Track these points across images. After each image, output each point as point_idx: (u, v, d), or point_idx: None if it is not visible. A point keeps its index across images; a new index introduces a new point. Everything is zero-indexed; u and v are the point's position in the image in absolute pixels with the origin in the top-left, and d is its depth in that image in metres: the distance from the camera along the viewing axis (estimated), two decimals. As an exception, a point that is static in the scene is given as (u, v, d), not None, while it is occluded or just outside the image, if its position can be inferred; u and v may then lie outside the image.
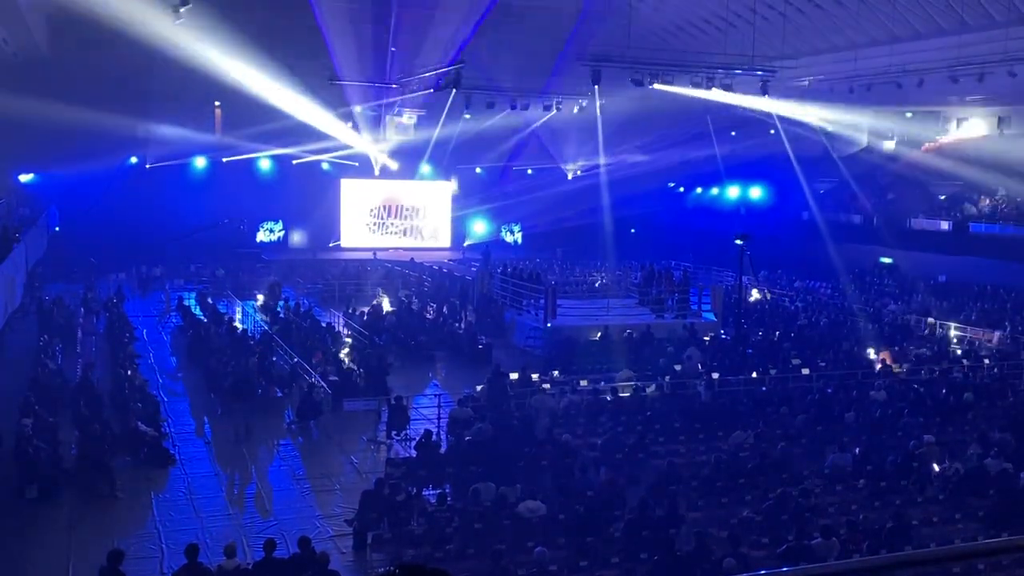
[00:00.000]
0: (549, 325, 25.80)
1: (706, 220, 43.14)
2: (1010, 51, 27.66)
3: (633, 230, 43.86)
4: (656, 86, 31.75)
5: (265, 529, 13.76)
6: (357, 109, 43.25)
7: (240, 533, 13.60)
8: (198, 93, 35.96)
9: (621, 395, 19.24)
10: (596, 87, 32.14)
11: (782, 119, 39.20)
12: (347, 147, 42.45)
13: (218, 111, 40.60)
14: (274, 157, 41.94)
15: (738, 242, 24.27)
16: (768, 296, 34.78)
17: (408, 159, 44.43)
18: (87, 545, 12.95)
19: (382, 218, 45.18)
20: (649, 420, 18.00)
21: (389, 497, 13.52)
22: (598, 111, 36.68)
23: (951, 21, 31.21)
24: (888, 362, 23.33)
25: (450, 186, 46.06)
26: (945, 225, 38.11)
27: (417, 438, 16.83)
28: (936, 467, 15.62)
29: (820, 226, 40.15)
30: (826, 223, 40.44)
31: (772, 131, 40.68)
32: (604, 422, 17.85)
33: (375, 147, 43.33)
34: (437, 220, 45.96)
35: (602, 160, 42.33)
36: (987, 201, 38.39)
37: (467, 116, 39.74)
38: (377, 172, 44.63)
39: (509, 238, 46.76)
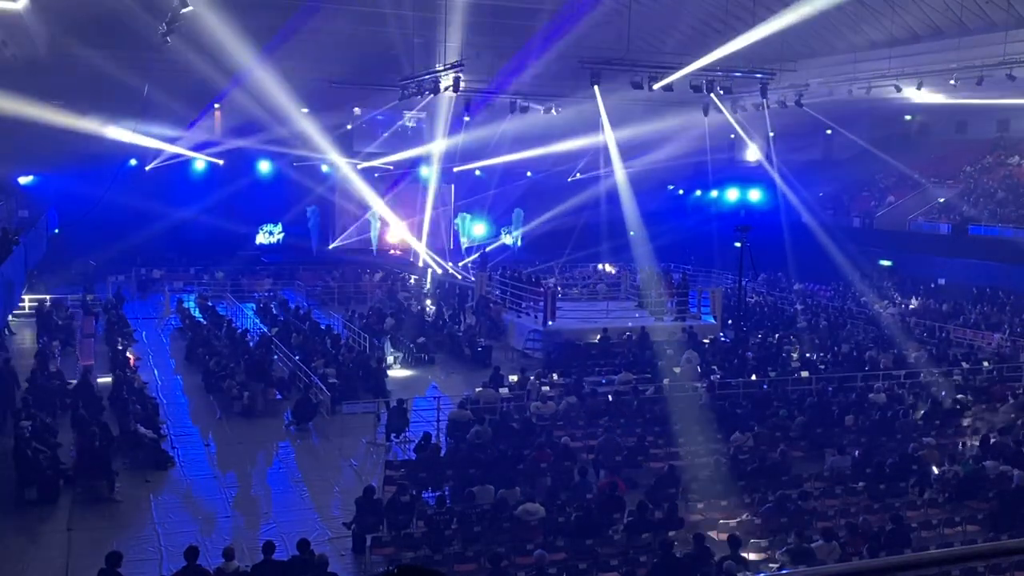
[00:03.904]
0: (549, 327, 25.79)
1: (706, 223, 43.11)
2: (1009, 54, 27.67)
3: (633, 232, 43.85)
4: (656, 87, 31.74)
5: (264, 531, 13.74)
6: (356, 111, 43.35)
7: (239, 535, 13.61)
8: (197, 94, 36.03)
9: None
10: (596, 88, 32.12)
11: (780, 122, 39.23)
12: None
13: (218, 113, 40.62)
14: (274, 159, 41.93)
15: (737, 244, 24.22)
16: (764, 300, 34.76)
17: (408, 161, 44.43)
18: (86, 547, 12.95)
19: (382, 220, 45.12)
20: (648, 422, 18.02)
21: (380, 501, 13.55)
22: (602, 112, 36.60)
23: (950, 24, 31.25)
24: None
25: (449, 188, 46.05)
26: (944, 227, 38.15)
27: (416, 440, 16.83)
28: (935, 469, 15.64)
29: (820, 229, 40.15)
30: (826, 226, 40.45)
31: (771, 134, 40.69)
32: (603, 424, 17.85)
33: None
34: (436, 222, 45.90)
35: (612, 154, 42.34)
36: None
37: (466, 119, 39.73)
38: (377, 175, 44.60)
39: (508, 240, 46.73)
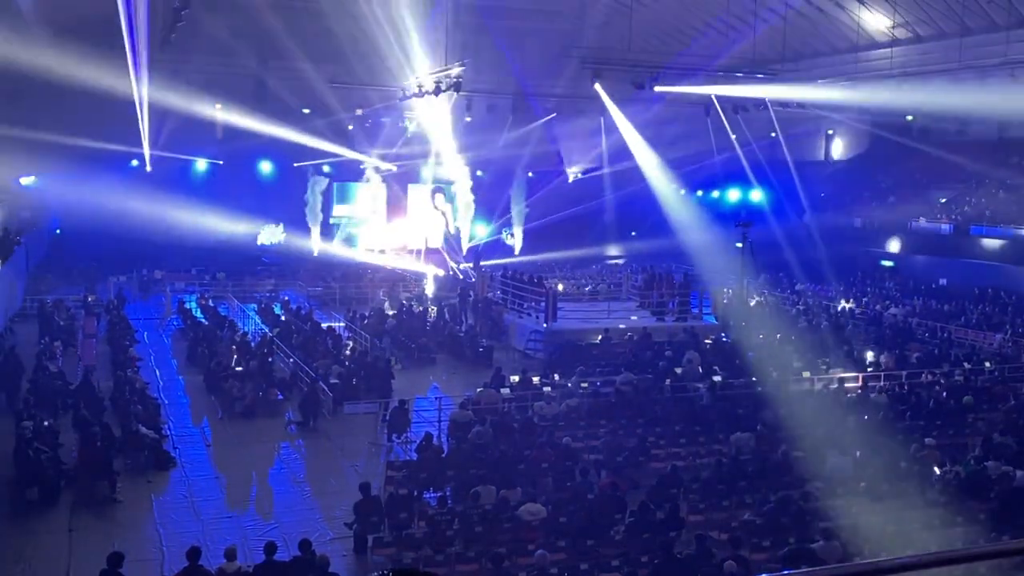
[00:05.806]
0: (549, 328, 25.76)
1: (706, 223, 43.05)
2: (1011, 54, 27.65)
3: (634, 233, 43.84)
4: (657, 89, 31.74)
5: (266, 532, 13.74)
6: (358, 112, 43.31)
7: (241, 536, 13.60)
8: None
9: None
10: (597, 87, 32.16)
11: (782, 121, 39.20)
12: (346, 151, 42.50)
13: (219, 113, 40.59)
14: (275, 160, 41.91)
15: (739, 244, 24.21)
16: (766, 299, 34.70)
17: (409, 161, 44.42)
18: (87, 547, 12.96)
19: (383, 220, 45.12)
20: (649, 423, 18.00)
21: (378, 498, 13.56)
22: (609, 109, 36.58)
23: (952, 24, 31.23)
24: None
25: (449, 189, 46.03)
26: (945, 227, 38.13)
27: (418, 441, 16.83)
28: (937, 470, 15.61)
29: (820, 229, 40.12)
30: (827, 226, 40.40)
31: (773, 134, 40.67)
32: (604, 424, 17.84)
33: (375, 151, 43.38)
34: (437, 222, 45.90)
35: (605, 161, 42.34)
36: None
37: (468, 119, 39.74)
38: (380, 178, 44.58)
39: (509, 240, 46.71)
